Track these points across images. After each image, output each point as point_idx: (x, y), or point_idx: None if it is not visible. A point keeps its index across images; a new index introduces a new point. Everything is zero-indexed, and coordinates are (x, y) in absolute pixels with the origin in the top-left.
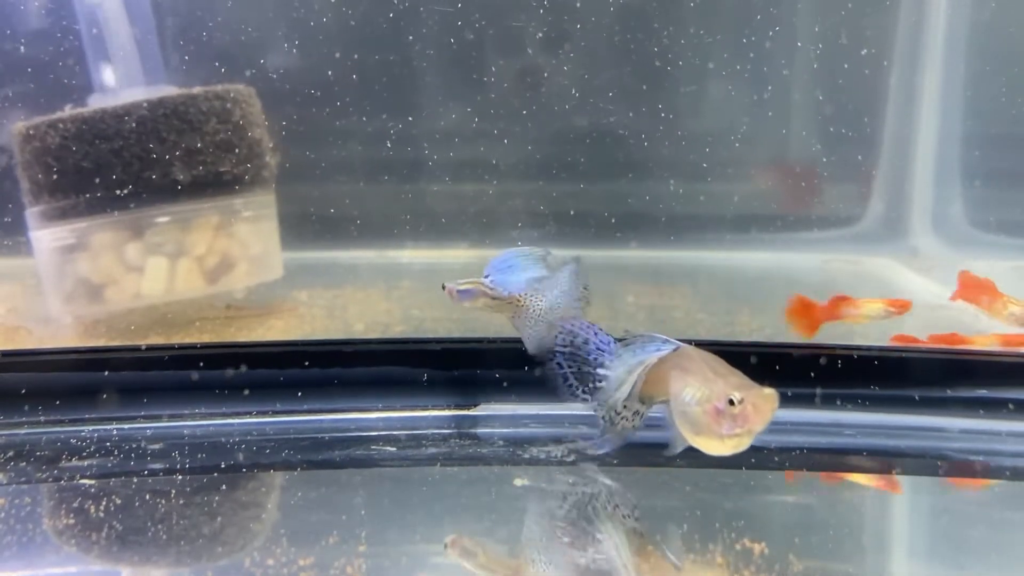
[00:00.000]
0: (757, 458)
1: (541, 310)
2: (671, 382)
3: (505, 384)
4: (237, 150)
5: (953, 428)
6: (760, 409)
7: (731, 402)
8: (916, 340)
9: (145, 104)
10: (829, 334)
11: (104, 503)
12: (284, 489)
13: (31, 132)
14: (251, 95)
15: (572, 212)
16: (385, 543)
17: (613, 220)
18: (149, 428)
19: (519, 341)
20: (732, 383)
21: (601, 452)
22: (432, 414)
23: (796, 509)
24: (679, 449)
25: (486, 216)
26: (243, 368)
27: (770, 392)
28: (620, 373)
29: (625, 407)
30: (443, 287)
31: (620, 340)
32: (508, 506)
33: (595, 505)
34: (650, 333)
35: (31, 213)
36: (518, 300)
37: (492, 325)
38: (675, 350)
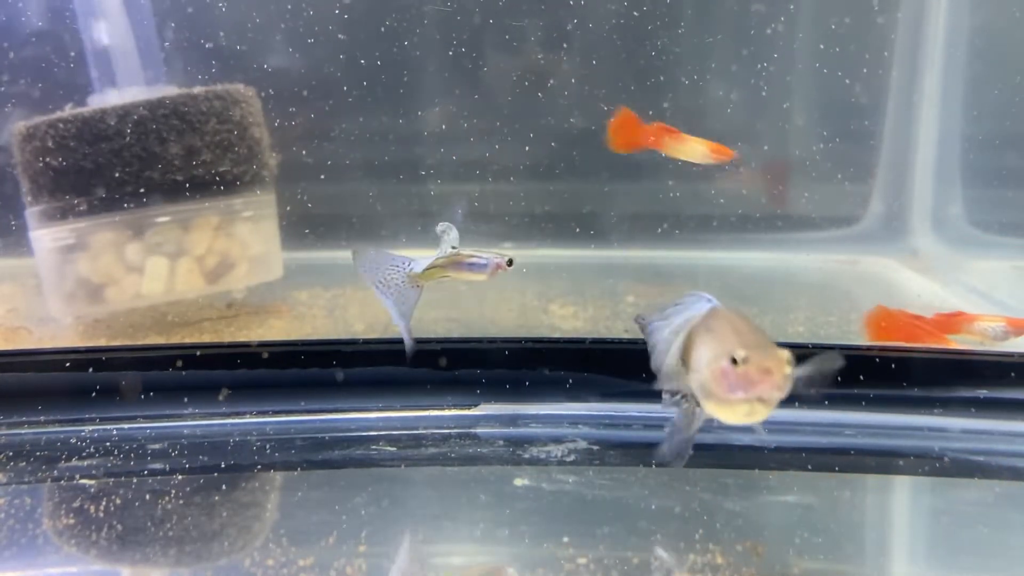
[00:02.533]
0: (757, 458)
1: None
2: (696, 344)
3: (505, 384)
4: (237, 150)
5: (954, 428)
6: (767, 371)
7: (734, 360)
8: (920, 319)
9: (145, 104)
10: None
11: (104, 503)
12: (284, 489)
13: (31, 132)
14: (251, 95)
15: (572, 212)
16: (385, 543)
17: (614, 220)
18: (149, 428)
19: (519, 341)
20: (743, 341)
21: (672, 455)
22: (432, 414)
23: (796, 509)
24: (698, 423)
25: (486, 216)
26: (243, 368)
27: (782, 354)
28: (667, 336)
29: (680, 389)
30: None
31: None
32: (508, 506)
33: (594, 505)
34: (696, 292)
35: (31, 213)
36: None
37: (492, 325)
38: (709, 310)
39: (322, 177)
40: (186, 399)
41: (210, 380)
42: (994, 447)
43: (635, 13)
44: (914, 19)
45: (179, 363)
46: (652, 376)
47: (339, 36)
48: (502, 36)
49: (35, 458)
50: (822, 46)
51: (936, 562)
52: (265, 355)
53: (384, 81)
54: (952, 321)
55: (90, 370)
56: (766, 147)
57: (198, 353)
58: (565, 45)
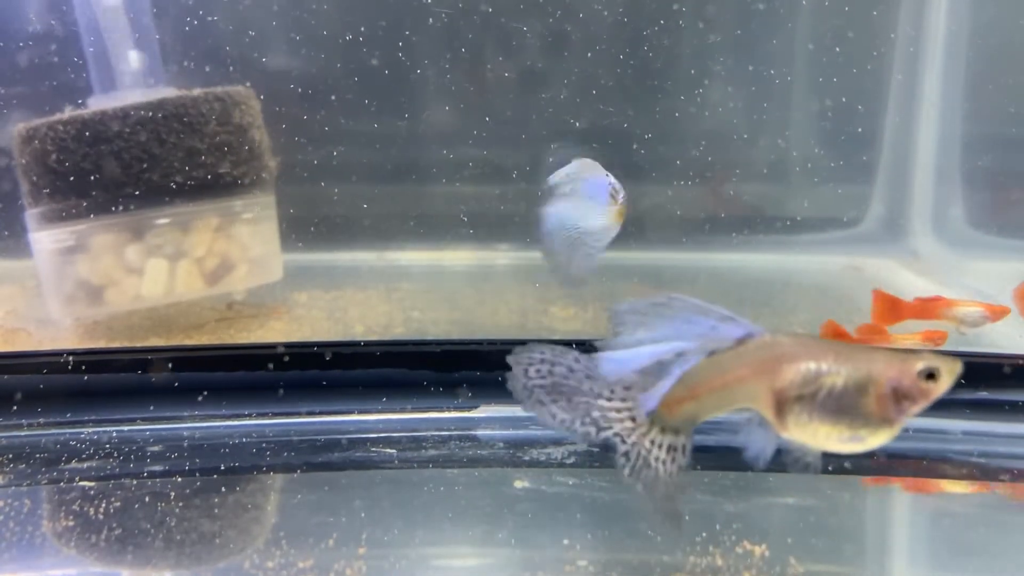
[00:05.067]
0: None
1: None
2: (774, 378)
3: (505, 386)
4: (237, 152)
5: (954, 430)
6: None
7: (930, 375)
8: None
9: (145, 106)
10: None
11: (103, 505)
12: (283, 491)
13: (31, 134)
14: (251, 97)
15: None
16: (385, 545)
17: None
18: (148, 430)
19: (519, 343)
20: (900, 354)
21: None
22: (432, 416)
23: (797, 511)
24: (816, 466)
25: (486, 217)
26: (243, 370)
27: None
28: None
29: (653, 440)
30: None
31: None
32: (508, 508)
33: (594, 507)
34: (682, 297)
35: (31, 215)
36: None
37: (492, 327)
38: (750, 341)
39: (322, 179)
40: (185, 401)
41: (210, 382)
42: (994, 449)
43: (633, 13)
44: (914, 21)
45: (179, 365)
46: None
47: (339, 38)
48: (501, 38)
49: (35, 460)
50: (822, 48)
51: (936, 564)
52: (265, 357)
53: (384, 83)
54: (930, 306)
55: (89, 372)
56: (765, 149)
57: (198, 355)
58: (564, 47)
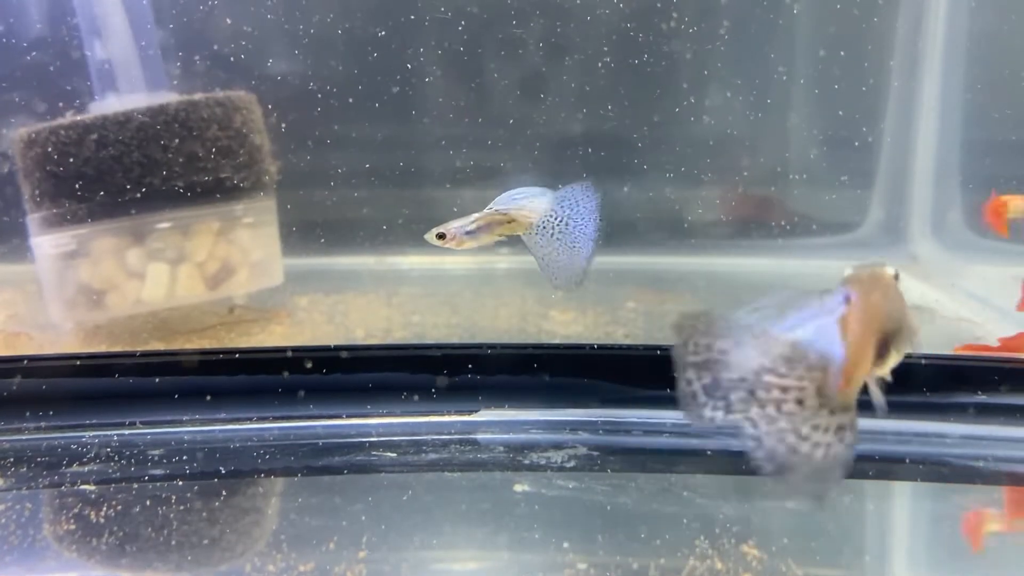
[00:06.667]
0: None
1: (554, 227)
2: (885, 323)
3: (505, 389)
4: (238, 156)
5: (953, 433)
6: None
7: (896, 276)
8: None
9: (146, 111)
10: None
11: (105, 509)
12: (284, 495)
13: (32, 138)
14: (252, 101)
15: None
16: (385, 549)
17: (612, 225)
18: (149, 434)
19: (520, 347)
20: (871, 269)
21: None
22: (432, 420)
23: (795, 515)
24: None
25: None
26: (243, 374)
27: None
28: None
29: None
30: (438, 236)
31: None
32: (508, 512)
33: (594, 510)
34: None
35: (32, 219)
36: (528, 217)
37: (493, 331)
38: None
39: (322, 183)
40: (186, 405)
41: (211, 386)
42: (994, 452)
43: (632, 18)
44: (913, 25)
45: (180, 369)
46: (652, 380)
47: (340, 43)
48: (502, 42)
49: (36, 463)
50: (821, 54)
51: (936, 567)
52: (265, 361)
53: (384, 87)
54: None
55: (91, 376)
56: (765, 154)
57: (199, 359)
58: (564, 51)
